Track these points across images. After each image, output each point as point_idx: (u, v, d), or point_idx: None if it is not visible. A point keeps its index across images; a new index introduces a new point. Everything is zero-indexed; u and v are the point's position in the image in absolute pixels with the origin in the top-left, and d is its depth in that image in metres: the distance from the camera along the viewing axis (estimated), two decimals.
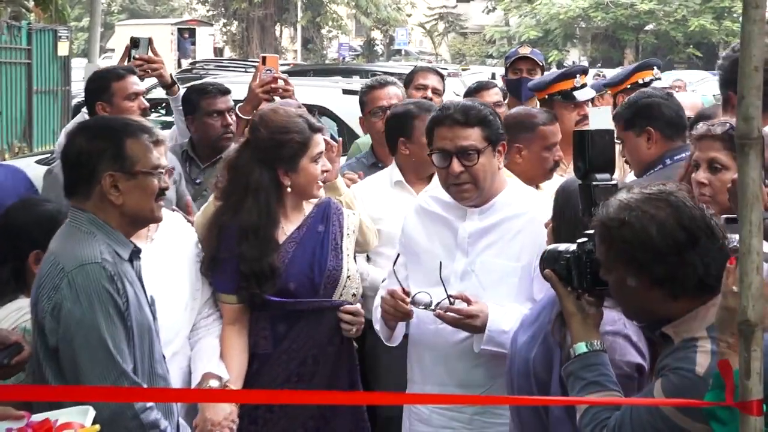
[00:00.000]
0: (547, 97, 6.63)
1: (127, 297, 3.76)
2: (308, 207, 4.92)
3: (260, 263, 4.67)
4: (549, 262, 3.51)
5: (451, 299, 4.30)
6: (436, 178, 5.21)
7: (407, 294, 4.39)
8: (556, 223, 3.84)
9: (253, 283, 4.68)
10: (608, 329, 3.47)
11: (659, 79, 7.59)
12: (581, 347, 3.34)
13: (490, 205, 4.52)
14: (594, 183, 3.54)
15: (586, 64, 51.03)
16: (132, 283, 3.83)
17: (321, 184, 4.81)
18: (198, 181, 6.61)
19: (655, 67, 7.91)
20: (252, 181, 4.73)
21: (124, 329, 3.76)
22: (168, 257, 4.59)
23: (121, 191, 3.81)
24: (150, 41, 6.73)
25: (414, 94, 7.14)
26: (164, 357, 4.08)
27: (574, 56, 55.18)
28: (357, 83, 11.58)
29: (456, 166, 4.41)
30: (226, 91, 6.61)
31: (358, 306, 4.83)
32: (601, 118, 3.41)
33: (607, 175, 3.58)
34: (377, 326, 4.66)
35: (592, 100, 6.90)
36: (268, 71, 6.43)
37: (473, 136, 4.41)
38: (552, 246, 3.57)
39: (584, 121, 6.48)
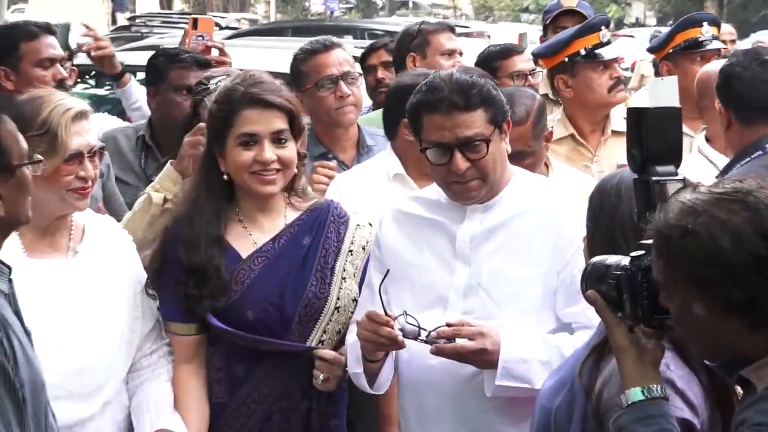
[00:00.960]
0: (566, 59, 5.67)
1: (14, 356, 2.96)
2: (294, 212, 4.05)
3: (198, 252, 3.88)
4: (594, 280, 2.98)
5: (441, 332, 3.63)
6: None
7: (390, 317, 3.67)
8: (590, 235, 3.26)
9: (192, 286, 3.88)
10: None
11: (716, 38, 6.48)
12: (636, 394, 2.87)
13: (496, 200, 3.84)
14: (654, 178, 2.96)
15: (653, 21, 45.75)
16: (12, 327, 3.00)
17: (267, 175, 3.92)
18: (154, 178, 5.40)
19: (705, 23, 6.56)
20: (199, 168, 4.08)
21: (14, 406, 2.96)
22: (97, 276, 3.83)
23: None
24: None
25: (438, 62, 6.03)
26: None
27: (638, 11, 48.84)
28: (350, 46, 10.30)
29: (460, 161, 3.72)
30: (204, 64, 5.42)
31: (338, 354, 3.96)
32: (664, 92, 2.75)
33: (671, 168, 2.99)
34: (353, 370, 3.85)
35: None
36: (200, 37, 5.58)
37: (477, 122, 3.72)
38: (597, 259, 3.01)
39: (618, 88, 5.66)
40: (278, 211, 4.04)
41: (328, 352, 3.92)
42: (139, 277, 3.94)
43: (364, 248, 4.07)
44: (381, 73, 6.55)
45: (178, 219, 3.98)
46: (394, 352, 3.77)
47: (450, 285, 3.78)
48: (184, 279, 3.90)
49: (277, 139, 3.91)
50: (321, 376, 3.91)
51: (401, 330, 3.62)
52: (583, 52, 5.61)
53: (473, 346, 3.61)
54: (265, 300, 3.92)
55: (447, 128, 3.70)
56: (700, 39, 6.31)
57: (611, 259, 2.96)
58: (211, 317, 3.90)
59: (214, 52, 5.48)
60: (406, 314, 3.63)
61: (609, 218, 3.16)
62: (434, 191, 3.90)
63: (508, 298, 3.73)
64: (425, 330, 3.62)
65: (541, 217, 3.79)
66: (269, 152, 3.89)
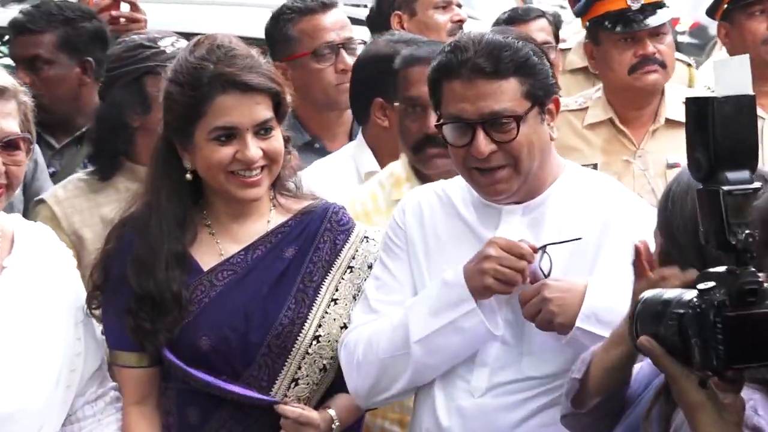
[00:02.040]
0: (588, 24, 4.85)
1: None
2: (281, 216, 3.35)
3: (154, 275, 3.20)
4: (647, 321, 2.43)
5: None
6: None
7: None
8: (665, 243, 2.72)
9: (143, 317, 3.21)
10: None
11: None
12: None
13: (540, 201, 3.23)
14: (724, 188, 2.33)
15: None
16: None
17: (250, 176, 3.22)
18: (52, 171, 4.57)
19: None
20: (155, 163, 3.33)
21: None
22: (29, 298, 3.19)
23: None
24: None
25: (432, 18, 5.25)
26: None
27: None
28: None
29: (482, 142, 3.12)
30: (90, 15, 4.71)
31: (313, 414, 3.25)
32: (734, 75, 2.16)
33: (744, 174, 2.35)
34: (430, 328, 3.17)
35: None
36: None
37: (509, 94, 3.13)
38: (651, 294, 2.45)
39: (645, 68, 4.69)
40: (260, 214, 3.34)
41: (292, 410, 3.20)
42: (80, 302, 3.30)
43: (370, 267, 3.36)
44: None
45: (129, 227, 3.29)
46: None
47: (485, 307, 3.17)
48: (133, 307, 3.23)
49: (262, 130, 3.22)
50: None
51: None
52: (607, 23, 4.74)
53: (531, 295, 3.10)
54: (224, 324, 3.22)
55: (469, 99, 3.13)
56: None
57: (669, 293, 2.40)
58: (167, 352, 3.23)
59: (124, 7, 4.58)
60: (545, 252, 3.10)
61: (669, 229, 2.66)
62: (466, 185, 3.29)
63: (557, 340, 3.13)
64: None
65: (601, 226, 3.18)
66: (253, 149, 3.19)
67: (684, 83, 5.72)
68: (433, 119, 3.59)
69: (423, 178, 3.88)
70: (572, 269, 3.16)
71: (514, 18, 5.51)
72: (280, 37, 4.58)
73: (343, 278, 3.34)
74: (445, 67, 3.15)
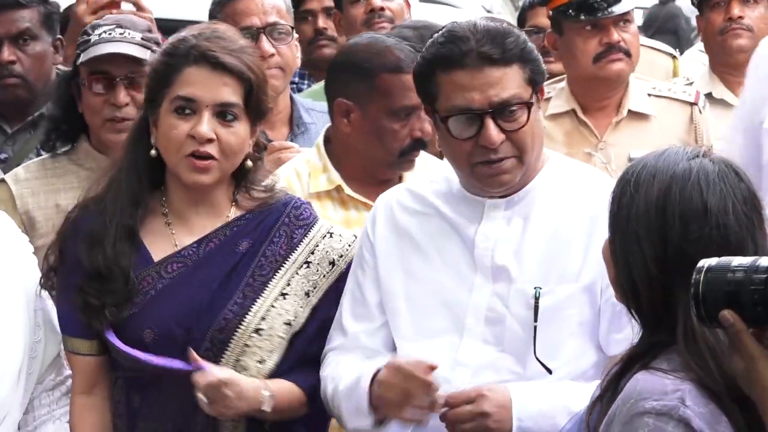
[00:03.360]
0: (551, 14, 4.74)
1: None
2: (240, 212, 3.27)
3: (103, 249, 3.15)
4: (720, 293, 2.23)
5: None
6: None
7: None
8: (611, 237, 2.58)
9: (91, 293, 3.15)
10: (651, 406, 2.41)
11: None
12: None
13: (524, 194, 3.13)
14: None
15: None
16: None
17: (200, 161, 3.14)
18: (3, 156, 4.47)
19: None
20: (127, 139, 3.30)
21: None
22: None
23: None
24: None
25: (350, 14, 5.02)
26: None
27: None
28: None
29: (493, 132, 3.01)
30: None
31: (229, 372, 3.11)
32: None
33: None
34: (352, 425, 3.14)
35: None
36: None
37: (515, 81, 3.05)
38: (717, 261, 2.27)
39: (611, 55, 4.56)
40: (218, 208, 3.26)
41: (210, 373, 3.06)
42: (38, 289, 3.26)
43: (333, 263, 3.28)
44: (322, 22, 5.29)
45: (87, 208, 3.23)
46: None
47: (467, 306, 3.11)
48: (83, 284, 3.17)
49: (222, 113, 3.14)
50: (203, 398, 3.08)
51: None
52: (571, 11, 4.61)
53: (470, 410, 2.98)
54: (170, 318, 3.13)
55: (477, 88, 3.02)
56: None
57: (737, 261, 2.22)
58: (108, 331, 3.16)
59: (126, 6, 4.40)
60: None
61: (626, 216, 2.54)
62: (442, 180, 3.21)
63: (542, 326, 3.06)
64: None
65: (586, 217, 3.08)
66: (206, 126, 3.10)
67: (668, 74, 5.69)
68: (420, 122, 3.62)
69: (344, 169, 3.82)
70: (560, 265, 3.10)
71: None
72: (213, 20, 4.38)
73: (297, 273, 3.25)
74: (445, 58, 3.05)
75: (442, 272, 3.14)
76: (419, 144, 3.73)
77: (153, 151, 3.19)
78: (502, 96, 3.02)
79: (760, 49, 4.32)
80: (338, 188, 3.83)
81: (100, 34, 3.78)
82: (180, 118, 3.13)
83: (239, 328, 3.15)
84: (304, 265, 3.25)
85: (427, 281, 3.15)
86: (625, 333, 2.76)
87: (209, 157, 3.13)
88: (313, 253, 3.26)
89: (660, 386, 2.41)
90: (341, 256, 3.28)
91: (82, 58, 3.75)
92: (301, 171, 3.85)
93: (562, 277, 3.09)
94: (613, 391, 2.49)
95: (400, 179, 3.83)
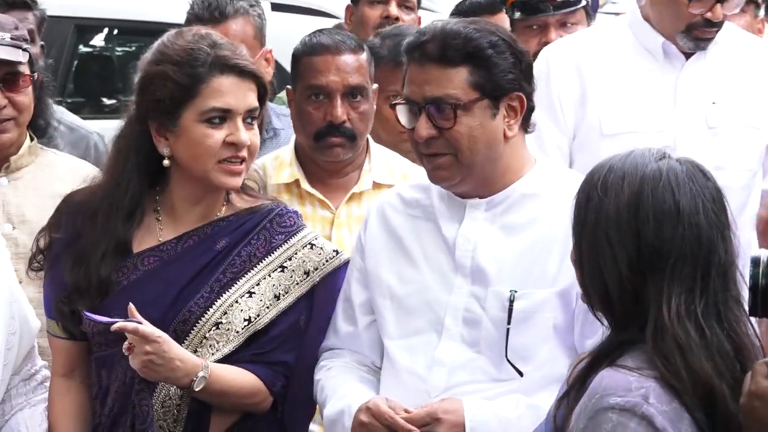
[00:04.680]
0: (506, 11, 4.83)
1: None
2: (230, 212, 3.33)
3: (87, 268, 3.20)
4: None
5: None
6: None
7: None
8: (576, 242, 2.62)
9: (68, 303, 3.22)
10: (615, 402, 2.45)
11: None
12: None
13: (504, 196, 3.17)
14: None
15: None
16: None
17: (236, 164, 3.19)
18: None
19: None
20: (120, 146, 3.29)
21: None
22: None
23: None
24: None
25: (364, 13, 5.19)
26: None
27: None
28: None
29: (422, 125, 3.10)
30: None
31: (164, 337, 3.10)
32: None
33: None
34: None
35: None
36: None
37: (454, 82, 3.08)
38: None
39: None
40: (212, 207, 3.30)
41: (139, 325, 3.08)
42: (10, 281, 3.26)
43: (307, 274, 3.30)
44: (395, 10, 5.28)
45: (81, 208, 3.27)
46: None
47: (447, 306, 3.14)
48: (63, 296, 3.23)
49: (249, 119, 3.20)
50: (125, 344, 3.10)
51: None
52: (514, 10, 4.68)
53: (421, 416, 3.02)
54: (138, 309, 3.15)
55: (416, 82, 3.12)
56: None
57: None
58: (85, 313, 3.19)
59: None
60: None
61: (594, 219, 2.56)
62: (429, 182, 3.26)
63: (518, 330, 3.08)
64: None
65: (563, 222, 2.99)
66: (244, 133, 3.16)
67: None
68: (338, 108, 3.74)
69: (307, 167, 3.92)
70: (537, 269, 3.12)
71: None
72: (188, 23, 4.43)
73: (270, 275, 3.29)
74: (407, 48, 3.17)
75: (426, 273, 3.18)
76: (333, 129, 3.81)
77: (166, 161, 3.22)
78: (435, 93, 3.07)
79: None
80: (297, 182, 3.92)
81: None
82: (213, 127, 3.16)
83: (200, 320, 3.19)
84: (279, 269, 3.28)
85: (413, 281, 3.19)
86: (597, 338, 2.76)
87: (243, 160, 3.19)
88: (290, 259, 3.29)
89: (624, 383, 2.45)
90: (317, 268, 3.32)
91: None
92: (268, 165, 3.93)
93: (538, 281, 3.10)
94: (579, 388, 2.53)
95: (358, 179, 3.94)
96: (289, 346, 3.29)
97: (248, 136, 3.18)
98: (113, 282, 3.22)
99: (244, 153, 3.19)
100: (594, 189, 2.59)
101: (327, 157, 3.87)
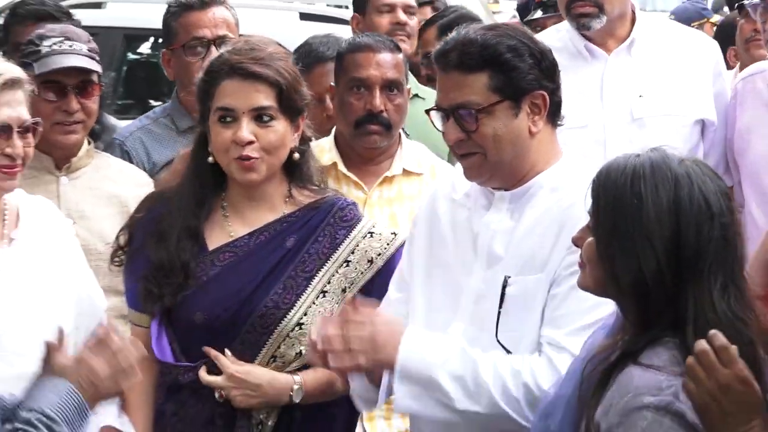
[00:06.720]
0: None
1: None
2: (293, 209, 3.54)
3: (167, 246, 3.46)
4: None
5: None
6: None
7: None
8: (603, 240, 2.68)
9: (153, 282, 3.45)
10: (649, 401, 2.53)
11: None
12: None
13: (525, 189, 3.28)
14: None
15: None
16: None
17: (246, 161, 3.42)
18: None
19: None
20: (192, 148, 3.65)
21: None
22: (38, 268, 3.29)
23: None
24: None
25: (374, 20, 5.43)
26: None
27: None
28: (322, 4, 8.87)
29: (449, 130, 3.25)
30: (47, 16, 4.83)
31: (245, 369, 3.42)
32: None
33: None
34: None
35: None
36: None
37: (475, 87, 3.21)
38: None
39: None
40: (273, 204, 3.52)
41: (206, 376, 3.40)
42: (79, 263, 3.44)
43: (371, 261, 3.52)
44: (402, 17, 5.53)
45: (159, 201, 3.57)
46: None
47: (464, 289, 3.28)
48: (148, 274, 3.46)
49: (259, 116, 3.41)
50: (216, 393, 3.41)
51: None
52: None
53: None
54: (219, 302, 3.43)
55: (442, 89, 3.28)
56: None
57: None
58: (153, 322, 3.46)
59: None
60: None
61: (632, 219, 2.63)
62: None
63: (514, 311, 3.20)
64: None
65: (569, 211, 3.16)
66: (245, 131, 3.38)
67: None
68: (377, 99, 4.09)
69: (345, 153, 4.25)
70: (540, 258, 3.21)
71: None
72: (166, 27, 4.72)
73: (337, 272, 3.50)
74: (435, 57, 3.29)
75: (454, 256, 3.32)
76: (372, 118, 4.15)
77: (210, 158, 3.48)
78: (457, 100, 3.21)
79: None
80: (335, 165, 4.23)
81: (50, 46, 4.03)
82: (224, 126, 3.42)
83: (283, 320, 3.41)
84: (344, 264, 3.50)
85: (443, 264, 3.34)
86: (562, 331, 3.07)
87: (251, 157, 3.40)
88: (353, 252, 3.51)
89: (655, 382, 2.55)
90: (380, 254, 3.54)
91: (38, 69, 3.93)
92: (317, 148, 4.15)
93: (536, 266, 3.20)
94: (604, 385, 2.61)
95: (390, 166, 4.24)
96: None
97: (250, 133, 3.38)
98: (192, 270, 3.43)
99: (249, 151, 3.39)
100: (624, 188, 2.66)
101: (365, 144, 4.20)
